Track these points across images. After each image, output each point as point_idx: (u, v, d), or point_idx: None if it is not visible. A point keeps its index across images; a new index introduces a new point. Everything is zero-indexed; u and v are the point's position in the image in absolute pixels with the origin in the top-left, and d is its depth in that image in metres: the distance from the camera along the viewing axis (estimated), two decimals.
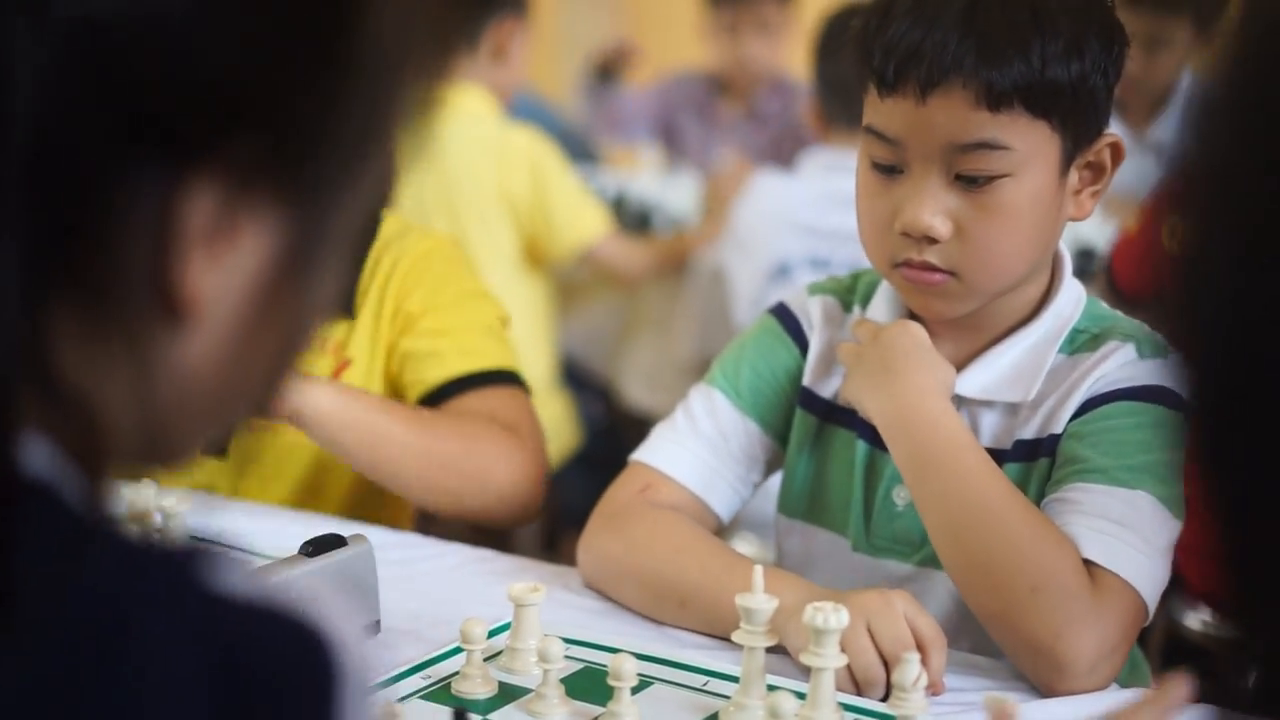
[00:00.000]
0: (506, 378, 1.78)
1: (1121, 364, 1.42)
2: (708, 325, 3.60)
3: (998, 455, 1.43)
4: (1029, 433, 1.44)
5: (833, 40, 3.01)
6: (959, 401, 1.46)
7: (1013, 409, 1.46)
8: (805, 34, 3.46)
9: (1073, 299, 1.48)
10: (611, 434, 3.95)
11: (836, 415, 1.56)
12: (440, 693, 1.30)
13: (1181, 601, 2.30)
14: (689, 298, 3.67)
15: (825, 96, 3.05)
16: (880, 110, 1.41)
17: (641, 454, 1.58)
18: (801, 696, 1.22)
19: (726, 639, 1.35)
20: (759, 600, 1.24)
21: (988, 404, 1.47)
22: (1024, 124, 1.36)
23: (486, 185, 3.35)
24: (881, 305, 1.54)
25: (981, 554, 1.33)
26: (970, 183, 1.38)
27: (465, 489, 1.63)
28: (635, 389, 3.77)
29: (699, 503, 1.55)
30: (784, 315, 1.62)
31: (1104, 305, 1.50)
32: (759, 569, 1.26)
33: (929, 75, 1.35)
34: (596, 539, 1.55)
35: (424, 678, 1.33)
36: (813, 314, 1.60)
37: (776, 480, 2.79)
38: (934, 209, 1.38)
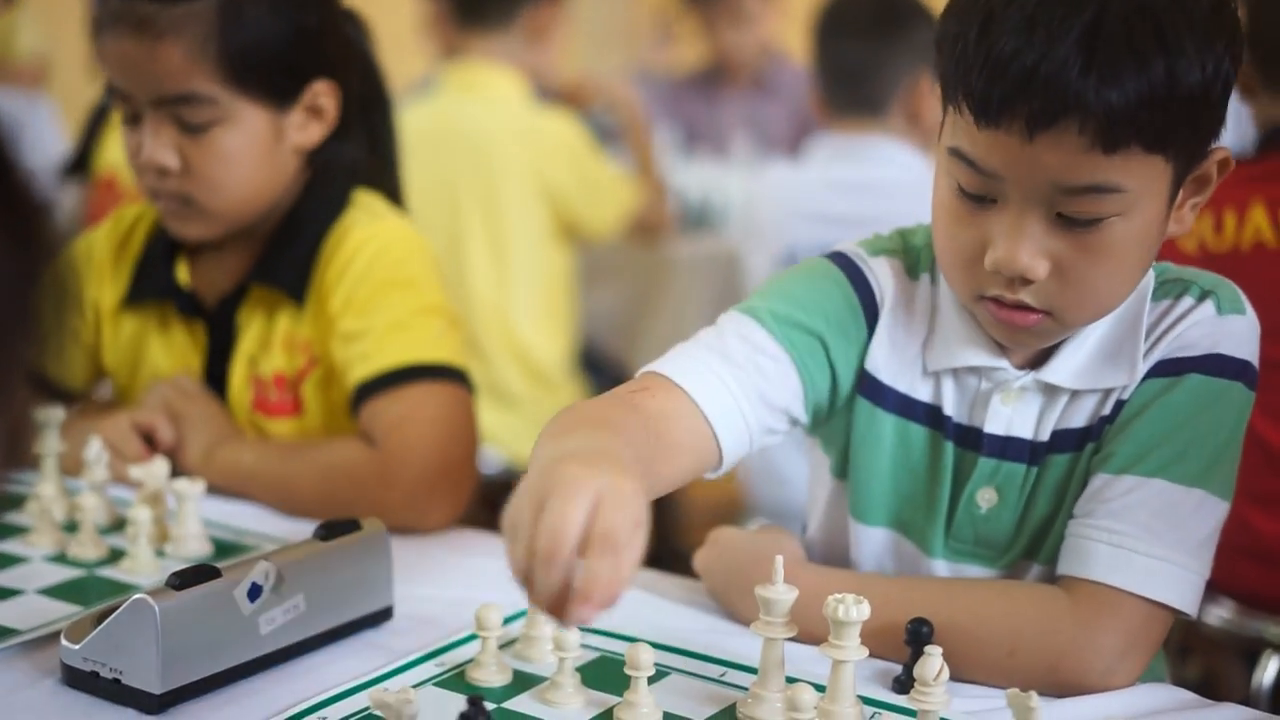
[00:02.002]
0: (417, 373, 1.72)
1: (1198, 322, 1.36)
2: (713, 311, 3.60)
3: (1099, 426, 1.38)
4: (1129, 392, 1.37)
5: (835, 24, 2.99)
6: (1052, 390, 1.38)
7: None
8: (802, 17, 3.43)
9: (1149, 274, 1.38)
10: None
11: (914, 411, 1.43)
12: (454, 680, 1.29)
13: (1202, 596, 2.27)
14: (703, 284, 3.66)
15: (827, 82, 3.03)
16: (976, 139, 1.26)
17: (653, 364, 1.37)
18: (821, 689, 1.20)
19: (745, 626, 1.33)
20: (779, 591, 1.22)
21: (1084, 391, 1.38)
22: (1138, 161, 1.23)
23: (520, 168, 3.36)
24: (957, 338, 1.40)
25: (951, 657, 1.23)
26: (1074, 224, 1.25)
27: (364, 512, 1.49)
28: None
29: (706, 426, 1.33)
30: (850, 270, 1.45)
31: (1175, 266, 1.42)
32: (779, 559, 1.24)
33: (1042, 112, 1.20)
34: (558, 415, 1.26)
35: (438, 665, 1.31)
36: (884, 279, 1.44)
37: (789, 465, 2.76)
38: (1032, 250, 1.26)
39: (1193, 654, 2.30)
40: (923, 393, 1.43)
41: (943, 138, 1.33)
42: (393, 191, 1.96)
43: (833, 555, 1.52)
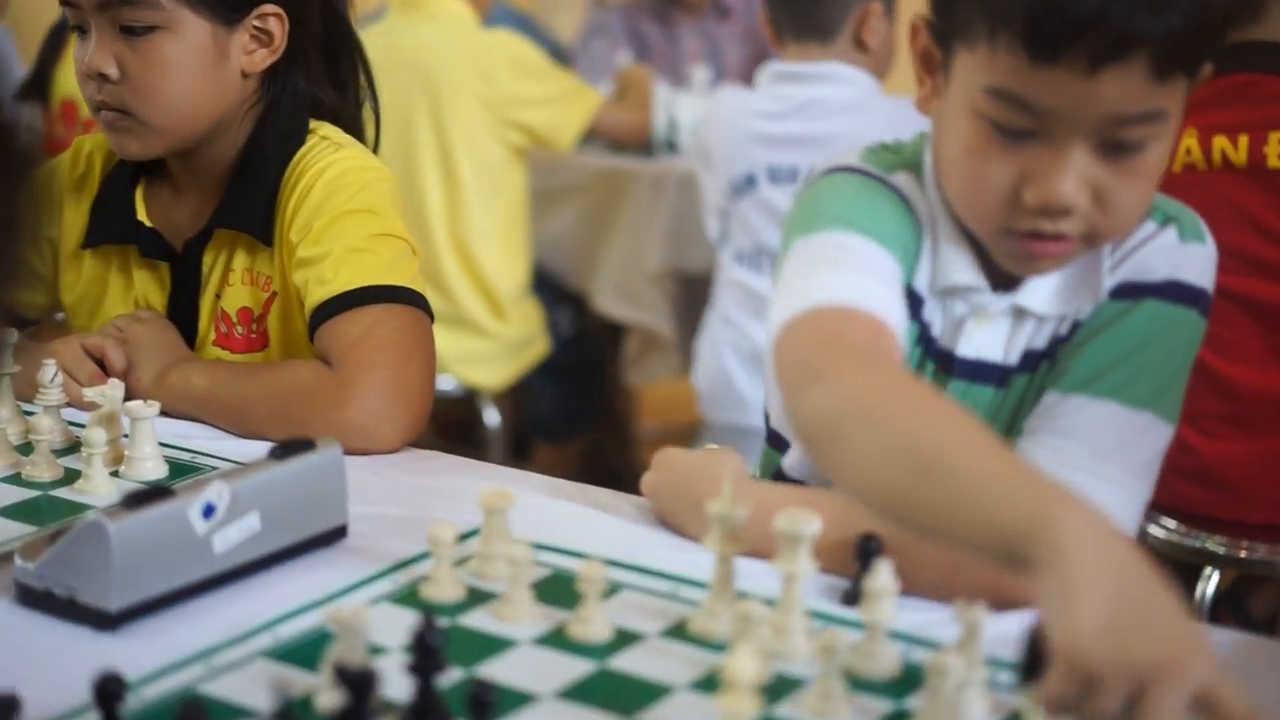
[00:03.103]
0: (374, 295, 1.72)
1: (1161, 248, 1.38)
2: (676, 235, 3.61)
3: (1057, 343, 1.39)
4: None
5: None
6: (1023, 314, 1.39)
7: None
8: None
9: None
10: (580, 342, 3.95)
11: (925, 339, 1.43)
12: (408, 597, 1.30)
13: (1144, 514, 2.30)
14: (658, 208, 3.66)
15: (777, 8, 3.03)
16: (1026, 78, 1.23)
17: (835, 295, 1.27)
18: (771, 604, 1.21)
19: (697, 543, 1.35)
20: (730, 508, 1.24)
21: (1052, 316, 1.40)
22: (1177, 85, 1.25)
23: (469, 89, 3.34)
24: (956, 259, 1.39)
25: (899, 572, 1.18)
26: (1118, 150, 1.26)
27: (319, 432, 1.48)
28: (605, 297, 3.76)
29: (898, 343, 1.30)
30: (884, 184, 1.40)
31: None
32: (730, 476, 1.25)
33: (1109, 48, 1.19)
34: (843, 376, 1.20)
35: (392, 582, 1.32)
36: (914, 197, 1.40)
37: (746, 387, 2.77)
38: (1078, 182, 1.25)
39: None
40: (925, 312, 1.43)
41: (960, 75, 1.30)
42: (356, 125, 1.92)
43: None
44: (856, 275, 1.31)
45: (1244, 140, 2.07)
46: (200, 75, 1.75)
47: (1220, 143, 2.08)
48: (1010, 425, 1.42)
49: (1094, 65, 1.20)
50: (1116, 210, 1.28)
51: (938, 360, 1.44)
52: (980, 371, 1.42)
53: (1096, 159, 1.26)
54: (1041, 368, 1.41)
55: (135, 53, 1.72)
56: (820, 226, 1.36)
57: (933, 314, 1.43)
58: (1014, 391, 1.42)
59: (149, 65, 1.72)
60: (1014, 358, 1.42)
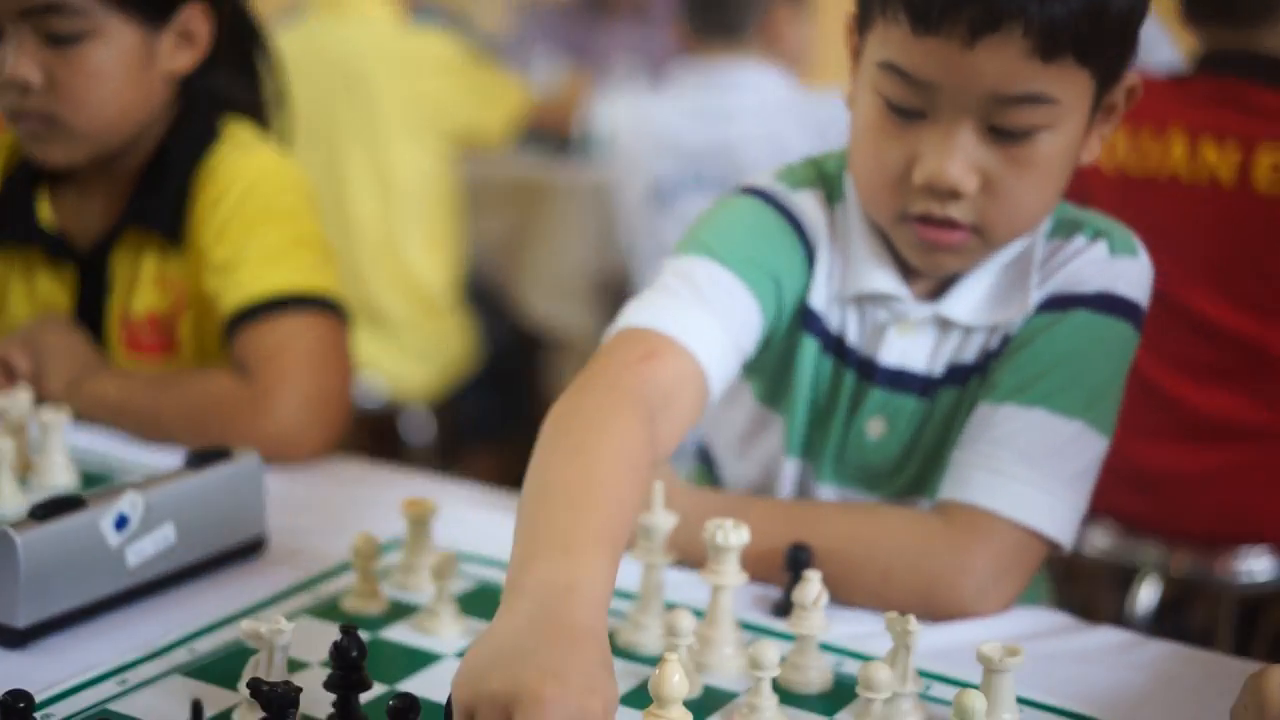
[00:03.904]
0: (292, 302, 1.69)
1: (1092, 261, 1.38)
2: (600, 240, 3.60)
3: (989, 358, 1.39)
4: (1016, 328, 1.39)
5: None
6: (947, 325, 1.40)
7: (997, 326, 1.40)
8: None
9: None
10: (512, 353, 3.93)
11: (829, 342, 1.44)
12: (329, 610, 1.27)
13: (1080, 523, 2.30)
14: (582, 213, 3.65)
15: (688, 7, 3.02)
16: (911, 48, 1.25)
17: (639, 318, 1.33)
18: (700, 614, 1.19)
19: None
20: (658, 518, 1.22)
21: (977, 328, 1.40)
22: (1070, 74, 1.25)
23: (396, 91, 3.31)
24: (867, 265, 1.40)
25: (827, 581, 1.19)
26: (1005, 136, 1.27)
27: (236, 443, 1.45)
28: (536, 302, 3.75)
29: (703, 377, 1.32)
30: (780, 207, 1.43)
31: (1071, 206, 1.44)
32: (659, 484, 1.23)
33: (985, 17, 1.21)
34: (569, 397, 1.24)
35: (312, 595, 1.29)
36: (812, 214, 1.43)
37: None
38: (964, 163, 1.27)
39: (1074, 580, 2.34)
40: (834, 322, 1.44)
41: (866, 56, 1.33)
42: (269, 123, 1.90)
43: (766, 484, 1.52)
44: (686, 306, 1.34)
45: (1233, 153, 2.07)
46: (128, 80, 1.71)
47: (1208, 152, 2.09)
48: (942, 438, 1.41)
49: (972, 35, 1.22)
50: (1006, 200, 1.29)
51: (858, 368, 1.43)
52: (902, 380, 1.42)
53: (985, 143, 1.27)
54: (972, 382, 1.40)
55: (63, 61, 1.67)
56: (689, 250, 1.40)
57: (845, 323, 1.43)
58: (941, 404, 1.42)
59: (77, 74, 1.68)
60: (939, 368, 1.41)
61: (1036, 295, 1.37)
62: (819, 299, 1.43)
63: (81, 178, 1.81)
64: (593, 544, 1.05)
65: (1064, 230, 1.40)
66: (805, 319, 1.43)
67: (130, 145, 1.77)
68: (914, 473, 1.43)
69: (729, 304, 1.36)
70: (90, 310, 1.80)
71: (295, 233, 1.75)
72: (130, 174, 1.78)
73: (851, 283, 1.41)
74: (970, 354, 1.41)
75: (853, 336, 1.43)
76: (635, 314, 1.33)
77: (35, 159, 1.76)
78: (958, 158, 1.27)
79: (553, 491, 1.11)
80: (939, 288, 1.40)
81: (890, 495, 1.44)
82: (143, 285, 1.78)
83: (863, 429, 1.43)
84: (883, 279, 1.39)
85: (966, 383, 1.40)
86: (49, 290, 1.82)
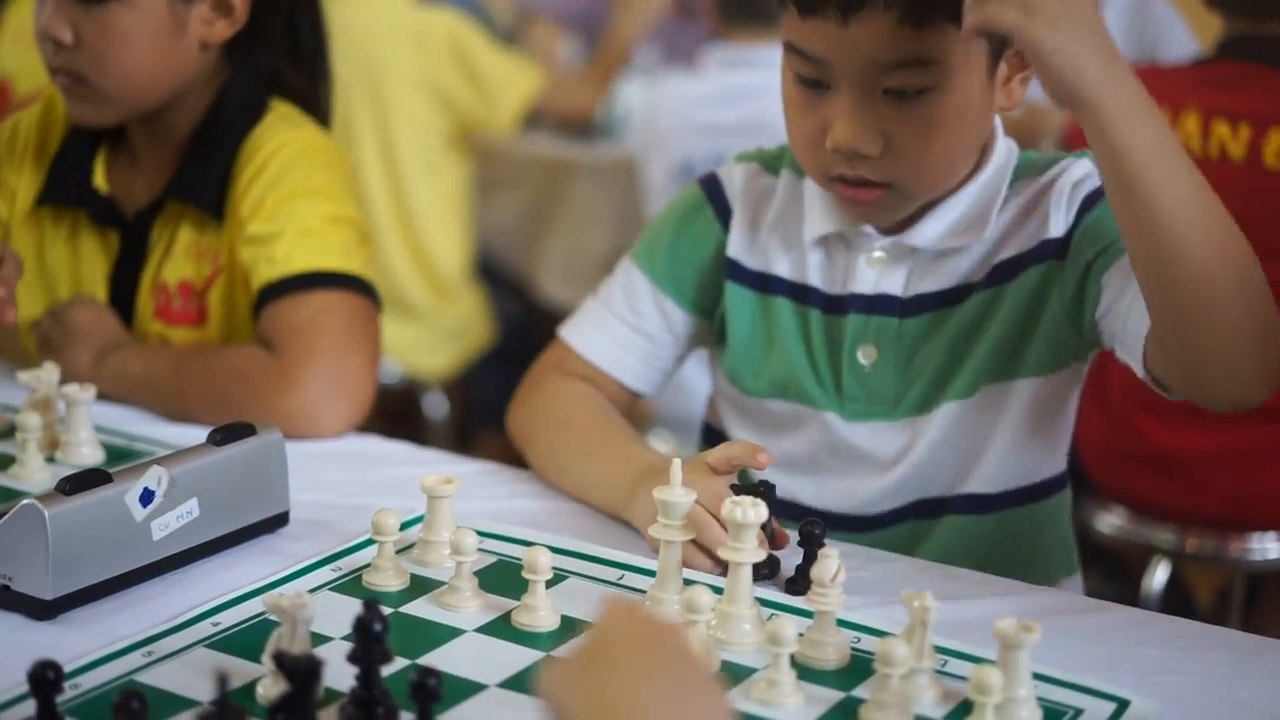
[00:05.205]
0: (323, 280, 1.70)
1: (1084, 168, 1.44)
2: (620, 221, 3.59)
3: (970, 287, 1.46)
4: (1010, 252, 1.46)
5: None
6: (913, 253, 1.47)
7: (973, 249, 1.47)
8: None
9: (1006, 150, 1.49)
10: (526, 330, 3.93)
11: (773, 286, 1.54)
12: (350, 585, 1.28)
13: (1093, 504, 2.31)
14: (602, 194, 3.64)
15: None
16: (801, 29, 1.39)
17: (563, 329, 1.63)
18: (719, 591, 1.21)
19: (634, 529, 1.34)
20: (676, 494, 1.22)
21: (948, 251, 1.47)
22: (951, 34, 1.33)
23: (407, 72, 3.31)
24: (818, 212, 1.51)
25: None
26: (899, 96, 1.36)
27: (259, 418, 1.47)
28: (550, 284, 3.75)
29: (608, 379, 1.60)
30: (710, 185, 1.61)
31: (1034, 153, 1.51)
32: (677, 462, 1.24)
33: (847, 1, 1.33)
34: (514, 405, 1.62)
35: (334, 570, 1.31)
36: (736, 181, 1.59)
37: (694, 377, 2.77)
38: (863, 127, 1.37)
39: (1087, 562, 2.34)
40: (782, 268, 1.54)
41: (782, 37, 1.43)
42: (315, 105, 1.89)
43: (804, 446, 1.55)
44: (603, 321, 1.61)
45: (1245, 131, 2.08)
46: (155, 47, 1.72)
47: (1220, 130, 2.10)
48: (941, 358, 1.47)
49: (843, 15, 1.34)
50: (913, 157, 1.39)
51: (824, 304, 1.51)
52: (877, 304, 1.48)
53: (883, 107, 1.37)
54: (970, 300, 1.46)
55: (90, 21, 1.69)
56: (633, 252, 1.64)
57: (806, 267, 1.52)
58: (927, 325, 1.47)
59: (103, 35, 1.69)
60: (915, 291, 1.48)
61: (1061, 219, 1.43)
62: (738, 249, 1.56)
63: (134, 145, 1.82)
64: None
65: (1041, 164, 1.48)
66: (728, 268, 1.57)
67: (172, 112, 1.78)
68: (920, 393, 1.48)
69: (640, 309, 1.60)
70: (126, 277, 1.81)
71: (333, 212, 1.76)
72: (178, 145, 1.79)
73: (815, 225, 1.51)
74: (950, 280, 1.47)
75: (816, 279, 1.52)
76: (565, 325, 1.63)
77: (72, 115, 1.78)
78: (858, 123, 1.37)
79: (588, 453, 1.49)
80: (905, 223, 1.47)
81: (903, 418, 1.49)
82: (177, 254, 1.78)
83: (855, 359, 1.49)
84: (836, 221, 1.49)
85: (953, 305, 1.47)
86: (91, 253, 1.83)
